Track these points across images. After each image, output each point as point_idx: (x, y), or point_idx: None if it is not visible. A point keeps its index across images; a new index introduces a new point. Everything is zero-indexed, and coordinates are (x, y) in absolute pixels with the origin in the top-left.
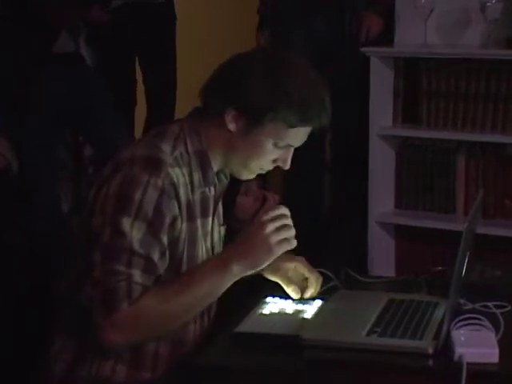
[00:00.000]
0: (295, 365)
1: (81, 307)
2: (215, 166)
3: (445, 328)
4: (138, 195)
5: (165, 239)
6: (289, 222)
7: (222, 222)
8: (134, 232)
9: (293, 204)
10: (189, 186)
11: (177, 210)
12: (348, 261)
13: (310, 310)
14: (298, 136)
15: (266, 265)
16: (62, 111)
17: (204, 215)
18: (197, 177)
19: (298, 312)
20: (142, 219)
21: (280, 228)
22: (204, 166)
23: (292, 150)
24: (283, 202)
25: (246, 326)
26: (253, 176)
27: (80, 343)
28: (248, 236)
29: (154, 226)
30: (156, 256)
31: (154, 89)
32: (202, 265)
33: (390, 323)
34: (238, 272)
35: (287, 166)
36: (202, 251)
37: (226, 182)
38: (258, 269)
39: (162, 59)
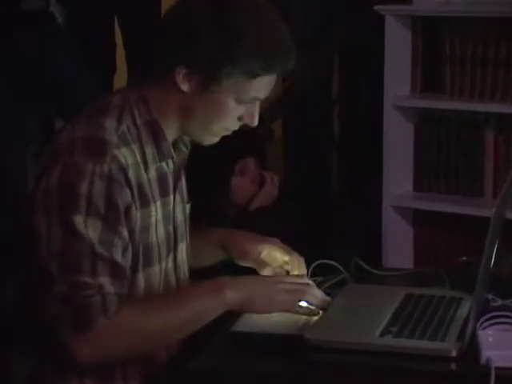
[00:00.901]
0: (298, 368)
1: (41, 321)
2: (170, 135)
3: (470, 327)
4: (84, 188)
5: (125, 232)
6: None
7: (186, 199)
8: (90, 231)
9: (295, 186)
10: (141, 165)
11: (130, 198)
12: (359, 250)
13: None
14: (262, 86)
15: (258, 312)
16: (30, 78)
17: (164, 194)
18: (150, 152)
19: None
20: (95, 215)
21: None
22: (157, 138)
23: (258, 103)
24: (284, 183)
25: (244, 324)
26: (217, 139)
27: (40, 358)
28: (261, 281)
29: (109, 221)
30: (119, 255)
31: (136, 54)
32: (195, 287)
33: (408, 322)
34: (229, 302)
35: (255, 123)
36: (158, 238)
37: (185, 151)
38: (246, 309)
39: (145, 19)
